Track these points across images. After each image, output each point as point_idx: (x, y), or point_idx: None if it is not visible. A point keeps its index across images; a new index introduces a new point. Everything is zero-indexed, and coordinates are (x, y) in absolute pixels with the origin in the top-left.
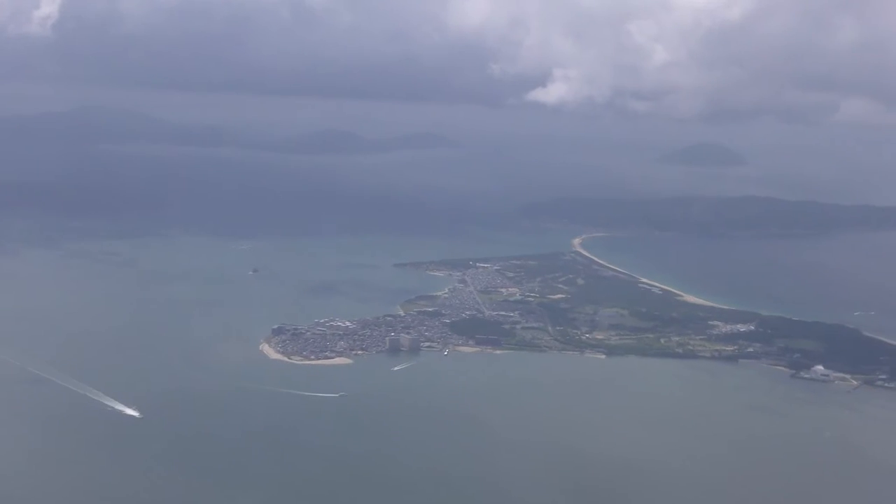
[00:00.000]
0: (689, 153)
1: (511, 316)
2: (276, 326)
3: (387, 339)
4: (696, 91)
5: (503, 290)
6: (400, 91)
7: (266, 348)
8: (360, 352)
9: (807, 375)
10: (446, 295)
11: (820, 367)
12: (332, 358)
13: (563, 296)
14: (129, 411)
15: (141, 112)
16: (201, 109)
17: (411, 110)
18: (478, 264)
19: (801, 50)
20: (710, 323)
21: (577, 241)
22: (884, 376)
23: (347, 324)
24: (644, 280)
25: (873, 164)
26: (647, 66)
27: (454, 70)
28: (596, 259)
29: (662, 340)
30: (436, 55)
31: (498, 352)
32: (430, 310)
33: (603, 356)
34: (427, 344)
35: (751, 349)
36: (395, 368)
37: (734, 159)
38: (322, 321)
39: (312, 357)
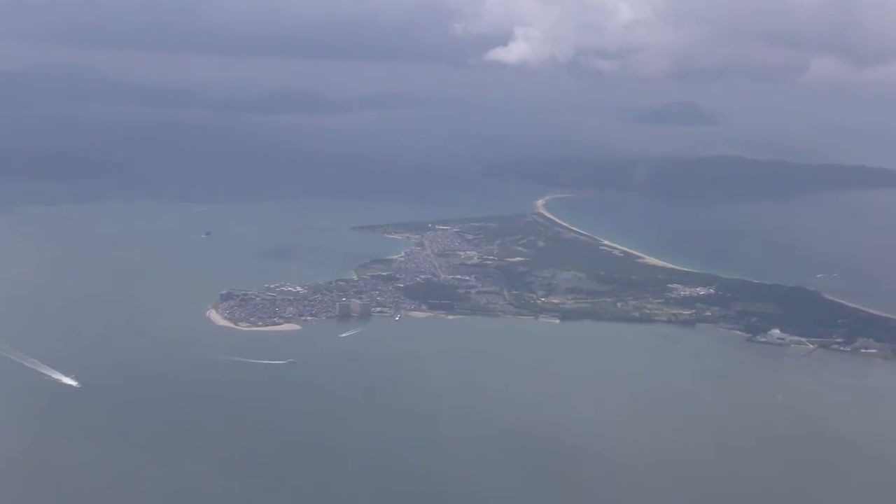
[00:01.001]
0: (660, 113)
1: (467, 280)
2: (224, 292)
3: (337, 304)
4: (662, 50)
5: (461, 253)
6: (362, 50)
7: (213, 314)
8: (309, 318)
9: (762, 339)
10: (402, 258)
11: (776, 331)
12: (281, 324)
13: (521, 259)
14: (68, 380)
15: (100, 72)
16: (162, 70)
17: (374, 69)
18: (437, 227)
19: (769, 7)
20: (669, 286)
21: (540, 202)
22: (840, 340)
23: (298, 289)
24: (606, 242)
25: (843, 124)
26: (612, 24)
27: (416, 29)
28: (558, 221)
29: (619, 304)
30: (398, 14)
31: (451, 317)
32: (384, 274)
33: (557, 321)
34: (378, 309)
35: (708, 313)
36: (343, 335)
37: (705, 119)
38: (272, 286)
39: (260, 323)
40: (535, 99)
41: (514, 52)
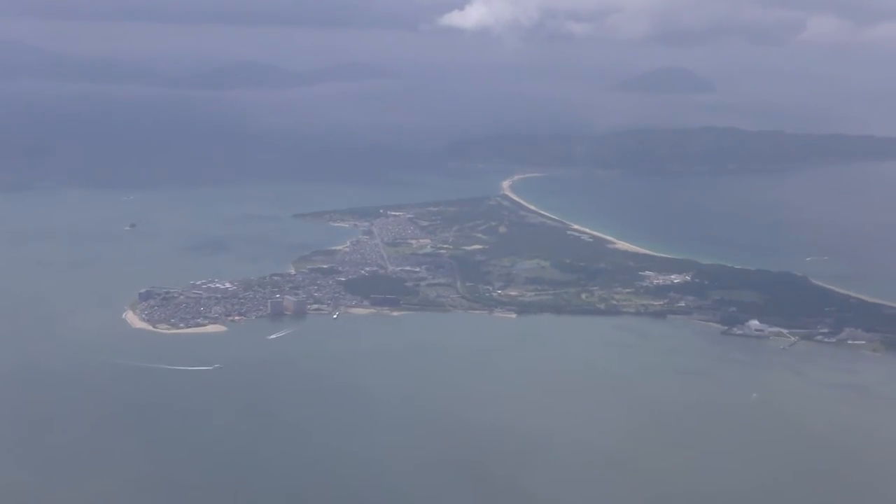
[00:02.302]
0: (649, 79)
1: (417, 271)
2: (143, 290)
3: (269, 302)
4: (641, 10)
5: (413, 241)
6: (314, 16)
7: (130, 316)
8: (237, 318)
9: (739, 332)
10: (347, 249)
11: (755, 322)
12: (205, 325)
13: (480, 247)
14: None
15: (24, 43)
16: (95, 40)
17: (328, 37)
18: (389, 212)
19: None
20: (641, 274)
21: (506, 183)
22: (825, 330)
23: (227, 286)
24: (575, 226)
25: (848, 88)
26: None
27: None
28: (524, 203)
29: (583, 295)
30: None
31: (395, 313)
32: (325, 267)
33: (514, 315)
34: (315, 306)
35: (682, 303)
36: (272, 337)
37: (700, 85)
38: (199, 283)
39: (181, 325)
40: (504, 68)
41: (472, 16)
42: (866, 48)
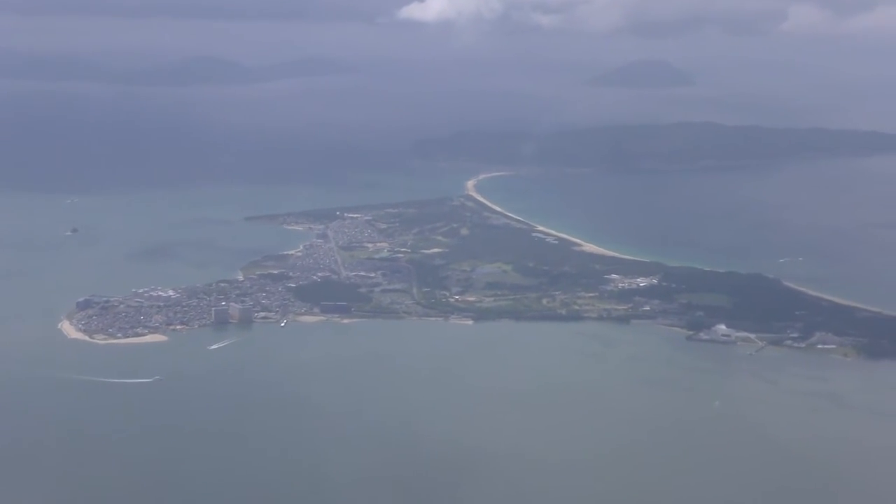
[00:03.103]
0: (626, 72)
1: (371, 277)
2: (81, 299)
3: (212, 310)
4: (611, 1)
5: (370, 245)
6: (269, 8)
7: (66, 326)
8: (179, 327)
9: (705, 337)
10: (299, 253)
11: (722, 327)
12: (144, 336)
13: (439, 250)
14: None
15: None
16: (43, 35)
17: (287, 30)
18: (346, 215)
19: None
20: (607, 277)
21: (471, 182)
22: (794, 335)
23: (170, 293)
24: (540, 228)
25: (832, 80)
26: None
27: None
28: (489, 204)
29: (545, 300)
30: None
31: (346, 321)
32: (275, 272)
33: (470, 322)
34: (262, 314)
35: (647, 307)
36: (213, 347)
37: (681, 78)
38: (141, 291)
39: (119, 335)
40: (471, 62)
41: (432, 8)
42: (848, 39)
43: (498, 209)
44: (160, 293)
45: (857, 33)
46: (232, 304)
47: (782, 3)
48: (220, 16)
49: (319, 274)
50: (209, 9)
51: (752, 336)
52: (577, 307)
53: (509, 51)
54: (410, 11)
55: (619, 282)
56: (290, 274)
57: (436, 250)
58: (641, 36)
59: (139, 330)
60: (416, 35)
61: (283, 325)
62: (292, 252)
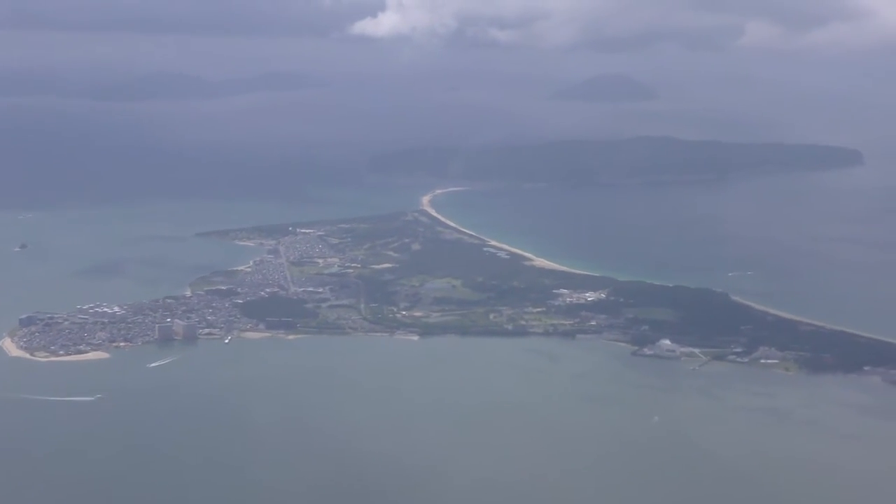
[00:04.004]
0: (590, 87)
1: (319, 292)
2: (24, 316)
3: (156, 327)
4: (568, 17)
5: (320, 260)
6: (226, 23)
7: (7, 343)
8: (122, 344)
9: (649, 352)
10: (249, 269)
11: (666, 342)
12: (86, 353)
13: (390, 265)
14: None
15: None
16: (8, 49)
17: (249, 45)
18: (299, 230)
19: None
20: (556, 292)
21: (427, 198)
22: (738, 349)
23: (116, 310)
24: (493, 243)
25: (792, 94)
26: None
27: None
28: (443, 219)
29: (492, 316)
30: None
31: (291, 337)
32: (223, 288)
33: (416, 337)
34: (207, 331)
35: (593, 322)
36: (152, 365)
37: (643, 93)
38: (86, 307)
39: (62, 352)
40: (432, 76)
41: (385, 24)
42: (803, 54)
43: (452, 224)
44: (105, 310)
45: (812, 48)
46: (176, 320)
47: (739, 19)
48: (179, 31)
49: (267, 290)
50: (168, 24)
51: (697, 351)
52: (523, 322)
53: (470, 65)
54: (363, 27)
55: (568, 296)
56: (238, 290)
57: (386, 265)
58: (601, 51)
59: (81, 347)
60: (378, 50)
61: (227, 341)
62: (242, 268)
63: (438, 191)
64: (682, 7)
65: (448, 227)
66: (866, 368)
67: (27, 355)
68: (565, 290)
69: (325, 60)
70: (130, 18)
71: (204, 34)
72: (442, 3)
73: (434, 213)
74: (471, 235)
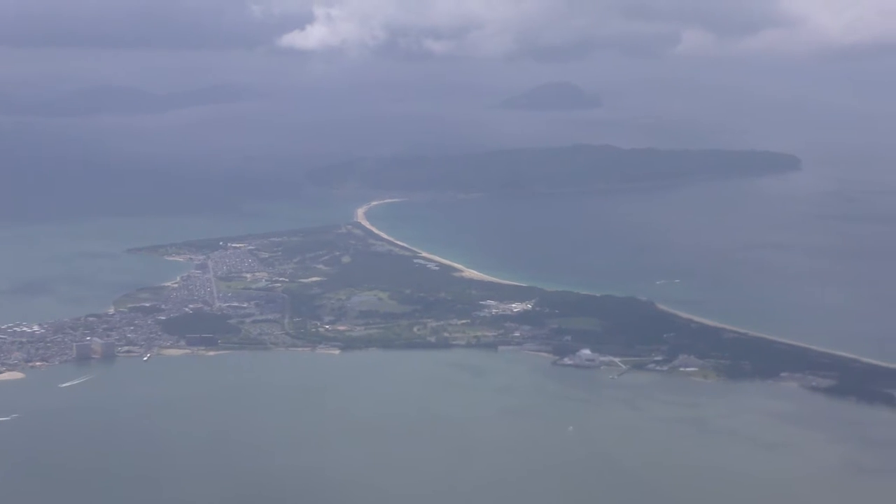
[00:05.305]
0: (535, 96)
1: (244, 307)
2: None
3: (74, 345)
4: (502, 27)
5: (248, 275)
6: (165, 37)
7: None
8: (38, 363)
9: (570, 362)
10: (176, 285)
11: (586, 352)
12: (2, 373)
13: (318, 279)
14: None
15: None
16: None
17: (190, 58)
18: (230, 244)
19: None
20: (482, 303)
21: (361, 210)
22: (658, 358)
23: (35, 329)
24: (424, 254)
25: (729, 101)
26: (439, 0)
27: (216, 13)
28: (376, 231)
29: (416, 328)
30: None
31: (212, 353)
32: (147, 305)
33: (337, 351)
34: (126, 348)
35: (517, 333)
36: (65, 385)
37: (588, 101)
38: (3, 327)
39: None
40: (375, 86)
41: (313, 36)
42: (737, 61)
43: (385, 236)
44: (25, 329)
45: (746, 55)
46: (95, 338)
47: (675, 27)
48: (119, 45)
49: (191, 306)
50: (105, 39)
51: (617, 360)
52: (447, 335)
53: (412, 76)
54: (292, 39)
55: (494, 308)
56: (162, 306)
57: (314, 279)
58: (540, 60)
59: None
60: (308, 62)
61: (145, 359)
62: (169, 284)
63: (374, 202)
64: (614, 15)
65: (381, 239)
66: (784, 374)
67: None
68: (492, 302)
69: (266, 72)
70: (65, 34)
71: (141, 48)
72: (372, 14)
73: (368, 226)
74: (403, 247)
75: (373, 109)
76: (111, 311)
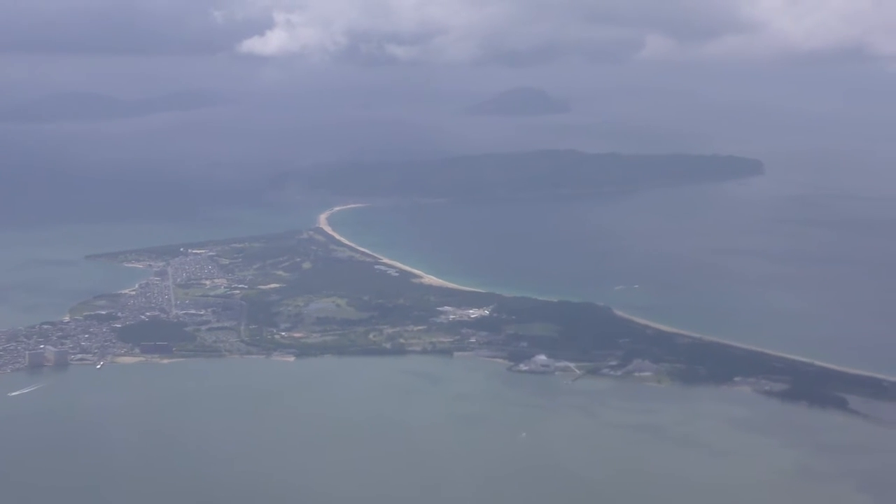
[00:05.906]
0: (503, 101)
1: (201, 315)
2: None
3: (27, 353)
4: (466, 32)
5: (207, 282)
6: (128, 43)
7: None
8: None
9: (525, 367)
10: (133, 292)
11: (541, 357)
12: None
13: (277, 285)
14: None
15: None
16: None
17: (156, 64)
18: (191, 251)
19: None
20: (440, 309)
21: (324, 216)
22: (613, 363)
23: None
24: (385, 260)
25: (695, 106)
26: (401, 6)
27: (178, 18)
28: (338, 237)
29: (372, 335)
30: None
31: (166, 361)
32: (103, 313)
33: (292, 358)
34: (80, 356)
35: (473, 339)
36: (13, 394)
37: (556, 106)
38: None
39: None
40: (339, 91)
41: (273, 42)
42: (703, 65)
43: (346, 242)
44: None
45: (707, 60)
46: (48, 346)
47: (638, 32)
48: (82, 51)
49: (148, 313)
50: (67, 45)
51: (572, 365)
52: (402, 341)
53: (377, 81)
54: (252, 45)
55: (451, 314)
56: (119, 314)
57: (273, 286)
58: (505, 65)
59: None
60: (268, 67)
61: (98, 367)
62: (126, 291)
63: (338, 208)
64: (577, 20)
65: (342, 245)
66: (737, 379)
67: None
68: (450, 308)
69: (228, 78)
70: (27, 40)
71: (104, 54)
72: (333, 20)
73: (330, 231)
74: (363, 253)
75: (337, 115)
76: (67, 318)
